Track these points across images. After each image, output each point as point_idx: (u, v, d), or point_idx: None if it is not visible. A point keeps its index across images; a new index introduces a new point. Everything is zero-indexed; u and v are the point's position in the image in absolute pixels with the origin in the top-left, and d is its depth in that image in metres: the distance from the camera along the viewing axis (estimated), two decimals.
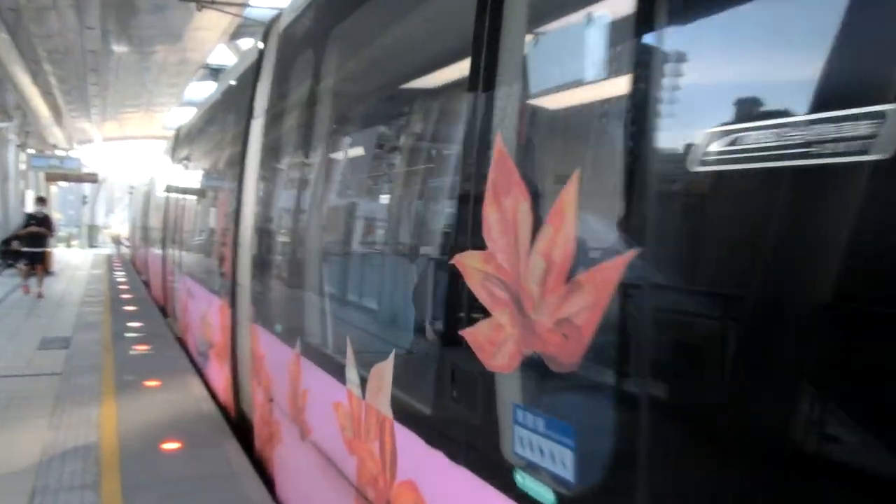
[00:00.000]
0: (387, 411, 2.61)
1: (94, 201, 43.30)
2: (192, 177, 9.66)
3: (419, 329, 2.97)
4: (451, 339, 2.11)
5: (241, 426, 5.69)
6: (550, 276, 1.64)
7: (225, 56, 20.94)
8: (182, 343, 9.19)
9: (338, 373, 3.17)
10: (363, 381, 2.85)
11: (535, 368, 1.72)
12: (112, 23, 14.79)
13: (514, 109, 1.93)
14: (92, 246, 36.89)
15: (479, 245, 1.94)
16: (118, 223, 50.64)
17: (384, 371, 2.67)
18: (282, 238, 4.76)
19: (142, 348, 8.77)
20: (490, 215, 1.91)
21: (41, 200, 15.41)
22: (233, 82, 7.08)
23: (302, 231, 4.23)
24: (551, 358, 1.64)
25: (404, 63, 3.45)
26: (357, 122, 4.20)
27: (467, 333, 2.00)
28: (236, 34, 17.46)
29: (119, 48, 17.10)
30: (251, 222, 5.33)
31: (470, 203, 2.04)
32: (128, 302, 13.41)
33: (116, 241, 37.05)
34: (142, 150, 35.63)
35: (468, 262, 2.00)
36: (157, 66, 19.77)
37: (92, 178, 31.73)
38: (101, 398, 6.42)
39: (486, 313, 1.90)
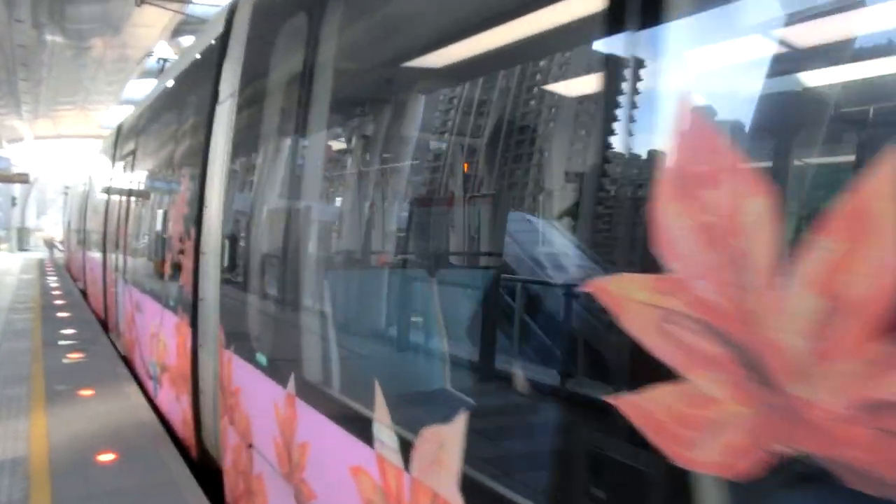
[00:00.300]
0: (455, 498, 1.81)
1: (24, 203, 41.47)
2: (139, 174, 8.51)
3: (511, 378, 2.25)
4: (577, 401, 1.57)
5: (204, 467, 4.85)
6: (841, 325, 1.01)
7: (166, 53, 20.37)
8: (127, 362, 8.23)
9: (359, 427, 2.36)
10: (405, 446, 2.06)
11: (797, 478, 1.13)
12: (44, 15, 14.20)
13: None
14: (22, 249, 35.35)
15: (648, 264, 1.29)
16: (51, 226, 48.58)
17: (447, 437, 1.87)
18: (264, 244, 3.89)
19: (75, 356, 8.40)
20: (672, 217, 1.27)
21: None
22: (190, 64, 6.07)
23: (295, 235, 3.38)
24: (844, 465, 1.01)
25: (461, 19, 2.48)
26: (374, 103, 3.48)
27: (627, 402, 1.32)
28: (178, 31, 17.00)
29: (52, 42, 16.42)
30: (218, 225, 4.39)
31: (615, 197, 1.45)
32: (61, 308, 12.86)
33: (50, 244, 35.56)
34: (77, 150, 34.28)
35: (625, 292, 1.35)
36: (94, 62, 19.08)
37: (22, 179, 30.46)
38: (31, 409, 6.11)
39: (666, 373, 1.26)
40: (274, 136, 3.78)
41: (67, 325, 10.81)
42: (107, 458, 4.98)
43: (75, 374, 7.53)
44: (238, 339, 3.95)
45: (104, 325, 10.89)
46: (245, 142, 4.20)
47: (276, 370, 3.26)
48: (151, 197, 7.84)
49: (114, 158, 10.96)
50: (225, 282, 4.27)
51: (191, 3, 14.09)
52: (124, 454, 5.06)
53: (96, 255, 12.38)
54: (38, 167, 37.57)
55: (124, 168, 9.66)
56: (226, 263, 4.25)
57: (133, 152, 9.07)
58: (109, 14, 14.55)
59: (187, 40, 15.07)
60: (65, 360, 8.19)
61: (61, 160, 40.72)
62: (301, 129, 3.29)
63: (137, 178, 8.60)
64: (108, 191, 11.14)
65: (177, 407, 5.57)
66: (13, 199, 40.04)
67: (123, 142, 10.24)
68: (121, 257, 9.13)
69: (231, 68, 4.38)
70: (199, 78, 5.43)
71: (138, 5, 12.87)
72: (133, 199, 8.84)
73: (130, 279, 8.21)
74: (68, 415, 6.03)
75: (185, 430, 5.32)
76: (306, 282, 3.17)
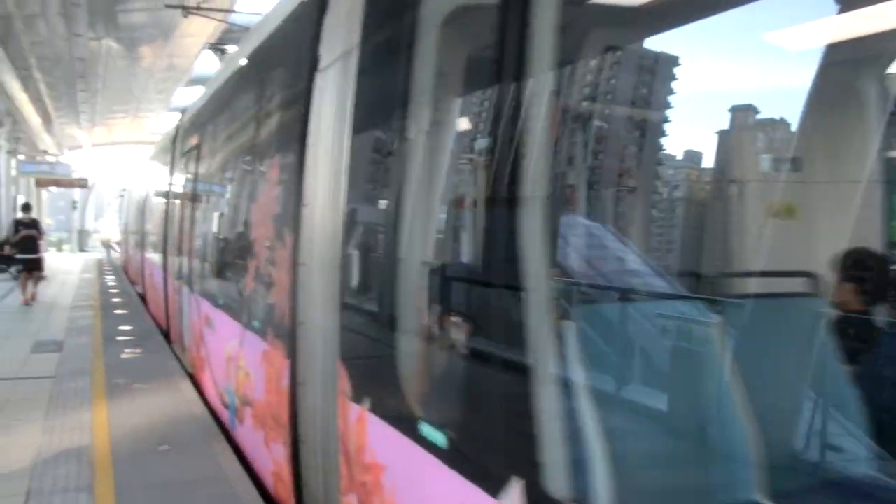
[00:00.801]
0: None
1: (83, 206, 43.20)
2: (207, 169, 7.40)
3: None
4: None
5: None
6: None
7: (211, 63, 21.04)
8: (195, 382, 7.31)
9: None
10: None
11: None
12: (100, 30, 14.89)
13: None
14: (82, 250, 36.88)
15: None
16: (108, 228, 50.49)
17: None
18: (428, 256, 2.56)
19: (132, 352, 8.90)
20: None
21: (27, 207, 15.18)
22: (270, 33, 5.03)
23: (476, 243, 2.26)
24: None
25: None
26: None
27: None
28: (222, 40, 17.59)
29: (107, 53, 17.19)
30: (330, 229, 3.21)
31: None
32: (118, 306, 13.52)
33: (107, 245, 36.99)
34: (130, 155, 35.57)
35: None
36: (144, 72, 19.87)
37: (82, 184, 31.74)
38: (93, 401, 6.56)
39: None
40: (425, 103, 2.57)
41: (124, 322, 11.40)
42: (163, 448, 5.33)
43: (133, 368, 7.97)
44: (380, 394, 2.74)
45: (166, 335, 9.98)
46: (373, 115, 3.07)
47: (469, 461, 2.03)
48: (222, 194, 6.78)
49: (175, 154, 9.89)
50: (349, 307, 3.09)
51: (233, 11, 14.62)
52: (178, 446, 5.35)
53: (156, 258, 11.57)
54: (95, 172, 39.17)
55: (188, 163, 8.53)
56: (352, 281, 3.16)
57: (198, 145, 7.92)
58: (157, 27, 15.20)
59: (232, 49, 15.61)
60: (123, 356, 8.67)
61: (116, 165, 42.32)
62: (478, 86, 2.23)
63: (205, 174, 7.48)
64: (168, 190, 10.24)
65: (265, 454, 4.37)
66: (73, 203, 41.73)
67: (186, 135, 9.08)
68: (185, 263, 8.10)
69: (338, 23, 3.36)
70: (286, 45, 4.53)
71: (185, 16, 13.43)
72: (199, 197, 7.77)
73: (198, 289, 7.15)
74: (127, 407, 6.42)
75: (279, 487, 4.12)
76: (519, 320, 1.84)
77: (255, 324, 4.60)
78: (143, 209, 15.12)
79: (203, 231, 7.35)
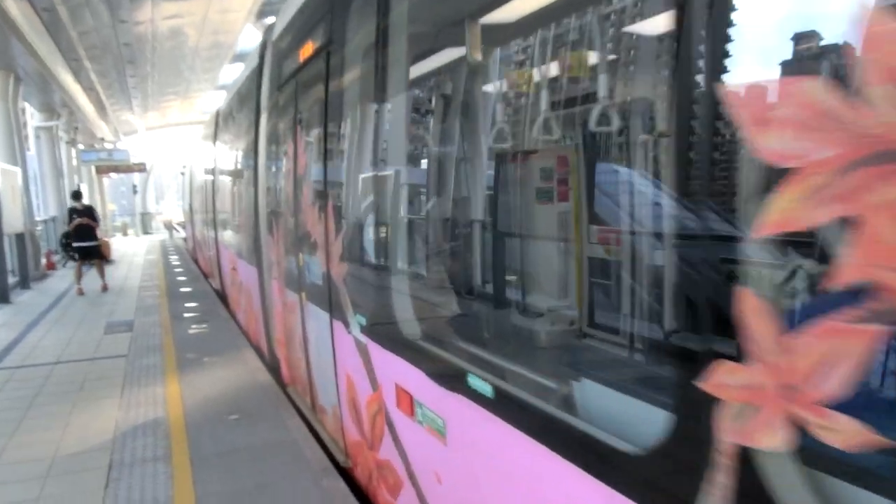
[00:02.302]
0: None
1: (144, 190, 44.61)
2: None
3: None
4: None
5: None
6: None
7: (253, 37, 21.13)
8: (351, 476, 4.41)
9: None
10: None
11: None
12: (142, 14, 15.08)
13: None
14: (146, 233, 38.19)
15: None
16: (169, 209, 52.10)
17: None
18: None
19: (198, 327, 9.19)
20: None
21: (77, 195, 14.50)
22: None
23: None
24: None
25: None
26: None
27: None
28: (262, 13, 17.60)
29: (153, 36, 17.46)
30: None
31: None
32: (182, 283, 13.99)
33: (168, 226, 38.23)
34: (183, 136, 36.39)
35: None
36: (190, 52, 20.09)
37: (140, 168, 32.74)
38: (165, 376, 6.80)
39: None
40: None
41: (189, 299, 11.77)
42: (233, 417, 5.50)
43: (200, 343, 8.25)
44: None
45: (266, 358, 7.29)
46: None
47: None
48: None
49: (264, 112, 6.59)
50: None
51: None
52: (248, 414, 5.56)
53: (232, 247, 9.62)
54: (152, 156, 40.28)
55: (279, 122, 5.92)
56: None
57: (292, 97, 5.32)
58: (196, 5, 15.28)
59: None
60: (190, 331, 8.98)
61: (171, 147, 43.42)
62: None
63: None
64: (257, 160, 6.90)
65: None
66: (134, 187, 43.12)
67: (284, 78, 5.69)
68: (294, 260, 5.41)
69: None
70: None
71: None
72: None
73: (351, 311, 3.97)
74: (197, 379, 6.66)
75: None
76: None
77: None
78: (210, 187, 12.72)
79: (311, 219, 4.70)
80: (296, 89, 5.23)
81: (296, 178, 5.17)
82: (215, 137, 11.84)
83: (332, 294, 4.25)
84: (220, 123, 11.23)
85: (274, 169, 6.36)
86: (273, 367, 6.92)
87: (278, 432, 5.14)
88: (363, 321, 3.75)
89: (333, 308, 4.27)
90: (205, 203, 14.16)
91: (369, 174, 4.03)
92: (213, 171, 12.35)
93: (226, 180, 10.79)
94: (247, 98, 7.84)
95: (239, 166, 8.98)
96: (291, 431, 5.15)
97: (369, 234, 4.00)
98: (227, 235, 10.69)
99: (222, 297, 11.64)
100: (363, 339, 3.73)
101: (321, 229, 4.40)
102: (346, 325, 4.01)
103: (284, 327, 6.15)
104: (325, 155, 4.43)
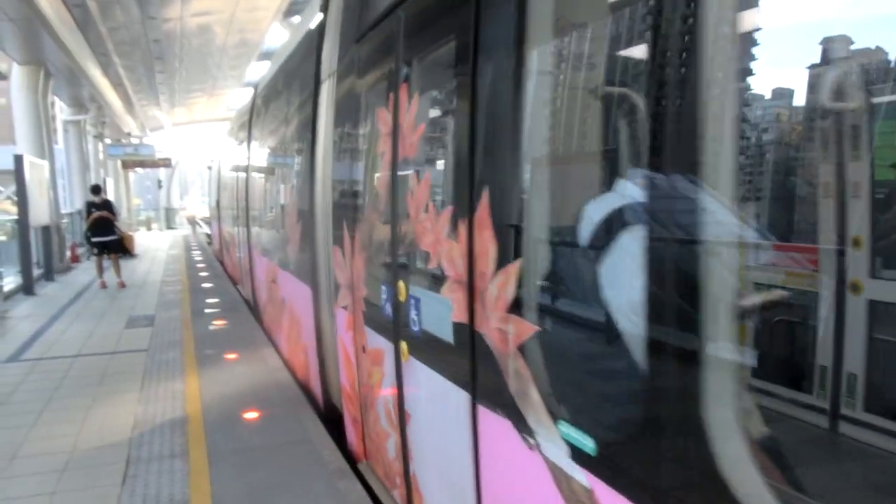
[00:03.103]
0: None
1: (168, 185, 45.12)
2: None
3: None
4: None
5: None
6: None
7: (280, 36, 21.26)
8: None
9: None
10: None
11: None
12: (172, 11, 15.21)
13: None
14: (170, 228, 38.63)
15: None
16: (193, 204, 52.69)
17: None
18: None
19: (219, 323, 9.20)
20: None
21: (97, 189, 14.15)
22: None
23: None
24: None
25: None
26: None
27: None
28: (289, 12, 17.68)
29: (181, 35, 17.61)
30: None
31: None
32: (204, 279, 14.06)
33: (192, 222, 38.62)
34: (209, 133, 36.76)
35: None
36: (218, 49, 20.26)
37: (166, 163, 33.12)
38: (185, 372, 6.80)
39: None
40: None
41: (210, 295, 11.81)
42: (251, 415, 5.45)
43: (220, 339, 8.24)
44: None
45: (315, 400, 5.83)
46: None
47: None
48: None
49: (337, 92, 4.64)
50: None
51: None
52: (266, 412, 5.51)
53: (272, 254, 8.05)
54: (178, 151, 40.78)
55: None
56: None
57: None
58: (224, 3, 15.39)
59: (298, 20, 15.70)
60: (210, 327, 8.98)
61: (197, 143, 43.89)
62: None
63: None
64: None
65: None
66: (159, 182, 43.65)
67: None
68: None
69: None
70: None
71: None
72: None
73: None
74: (216, 376, 6.64)
75: None
76: None
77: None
78: (243, 182, 10.96)
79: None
80: (395, 32, 3.31)
81: (397, 165, 3.23)
82: (251, 124, 10.07)
83: (482, 365, 2.41)
84: (260, 105, 9.33)
85: (348, 154, 4.31)
86: (330, 419, 5.33)
87: (296, 431, 5.09)
88: (583, 442, 1.86)
89: (481, 387, 2.47)
90: (235, 199, 12.24)
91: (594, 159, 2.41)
92: (247, 163, 10.52)
93: (265, 172, 9.03)
94: (299, 66, 6.22)
95: (285, 154, 7.28)
96: (309, 431, 5.11)
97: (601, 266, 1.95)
98: (265, 239, 8.75)
99: (253, 309, 10.14)
100: (579, 474, 1.89)
101: (457, 250, 2.56)
102: (524, 430, 2.16)
103: (360, 379, 4.18)
104: (473, 125, 2.43)
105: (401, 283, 3.27)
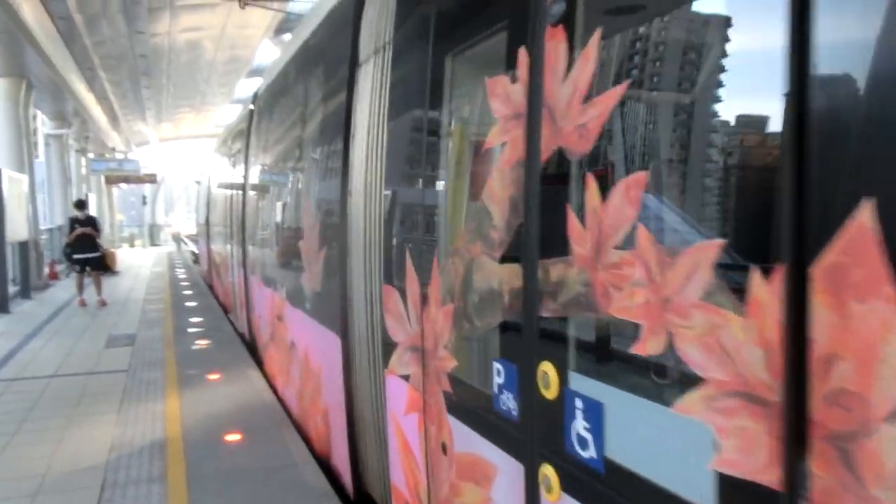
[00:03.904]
0: None
1: (153, 201, 44.72)
2: None
3: None
4: None
5: None
6: None
7: (271, 53, 21.24)
8: None
9: None
10: None
11: None
12: (160, 26, 15.13)
13: None
14: (154, 244, 38.17)
15: None
16: (178, 221, 52.26)
17: None
18: None
19: (202, 343, 8.98)
20: None
21: (81, 204, 13.84)
22: None
23: None
24: None
25: None
26: None
27: None
28: (280, 29, 17.66)
29: (169, 48, 17.52)
30: None
31: None
32: (187, 298, 13.80)
33: (177, 239, 38.22)
34: (196, 149, 36.57)
35: None
36: (207, 65, 20.18)
37: (151, 179, 32.77)
38: (166, 392, 6.59)
39: None
40: None
41: (194, 314, 11.57)
42: (233, 437, 5.27)
43: (203, 359, 8.03)
44: None
45: (339, 480, 4.65)
46: None
47: None
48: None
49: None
50: None
51: (292, 0, 14.61)
52: (249, 434, 5.33)
53: (276, 286, 6.68)
54: (163, 167, 40.48)
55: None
56: None
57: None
58: (215, 20, 15.34)
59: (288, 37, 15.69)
60: (193, 347, 8.77)
61: (183, 159, 43.65)
62: None
63: None
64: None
65: None
66: (143, 198, 43.25)
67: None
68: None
69: None
70: None
71: (242, 8, 13.45)
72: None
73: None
74: (199, 397, 6.44)
75: None
76: None
77: None
78: (240, 200, 9.51)
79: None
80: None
81: (536, 166, 1.95)
82: (250, 132, 8.82)
83: None
84: (262, 108, 8.12)
85: (413, 154, 3.20)
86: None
87: (280, 455, 4.92)
88: None
89: None
90: (229, 217, 10.60)
91: None
92: (245, 176, 9.06)
93: (268, 187, 7.66)
94: (324, 50, 5.20)
95: (297, 163, 6.05)
96: (293, 454, 4.94)
97: None
98: (269, 264, 7.17)
99: (250, 345, 8.65)
100: None
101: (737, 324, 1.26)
102: None
103: (432, 488, 2.87)
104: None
105: (546, 367, 1.90)
